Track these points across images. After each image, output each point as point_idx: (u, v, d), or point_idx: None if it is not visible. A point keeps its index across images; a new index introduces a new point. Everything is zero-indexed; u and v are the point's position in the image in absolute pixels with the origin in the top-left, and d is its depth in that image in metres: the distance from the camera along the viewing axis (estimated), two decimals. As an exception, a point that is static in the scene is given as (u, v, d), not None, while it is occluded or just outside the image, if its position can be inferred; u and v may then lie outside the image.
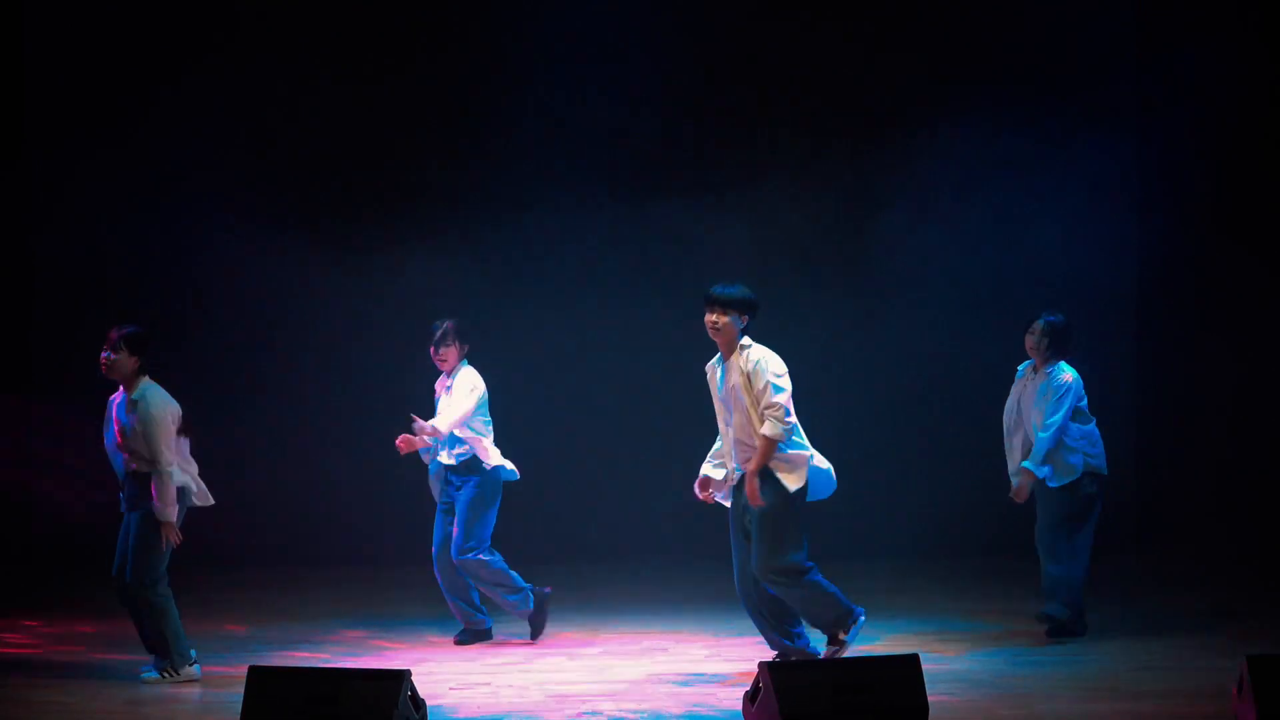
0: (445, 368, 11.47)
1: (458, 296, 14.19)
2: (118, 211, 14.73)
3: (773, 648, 10.38)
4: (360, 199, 15.04)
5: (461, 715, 9.21)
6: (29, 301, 14.94)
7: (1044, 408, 11.30)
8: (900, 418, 15.02)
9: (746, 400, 10.07)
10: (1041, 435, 11.24)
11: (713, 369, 10.29)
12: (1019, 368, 11.56)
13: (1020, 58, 15.17)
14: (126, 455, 10.13)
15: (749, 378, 10.05)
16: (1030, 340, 11.46)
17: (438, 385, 11.56)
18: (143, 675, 10.16)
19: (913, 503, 14.87)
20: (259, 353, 14.89)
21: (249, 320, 14.91)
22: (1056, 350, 11.39)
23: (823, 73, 15.21)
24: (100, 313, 14.01)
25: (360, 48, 15.00)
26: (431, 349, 11.44)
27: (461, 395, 11.32)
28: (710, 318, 10.12)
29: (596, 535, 14.96)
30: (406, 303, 14.51)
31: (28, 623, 12.27)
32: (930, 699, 8.12)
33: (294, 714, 7.80)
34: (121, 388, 10.19)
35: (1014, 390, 11.53)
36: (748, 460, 10.09)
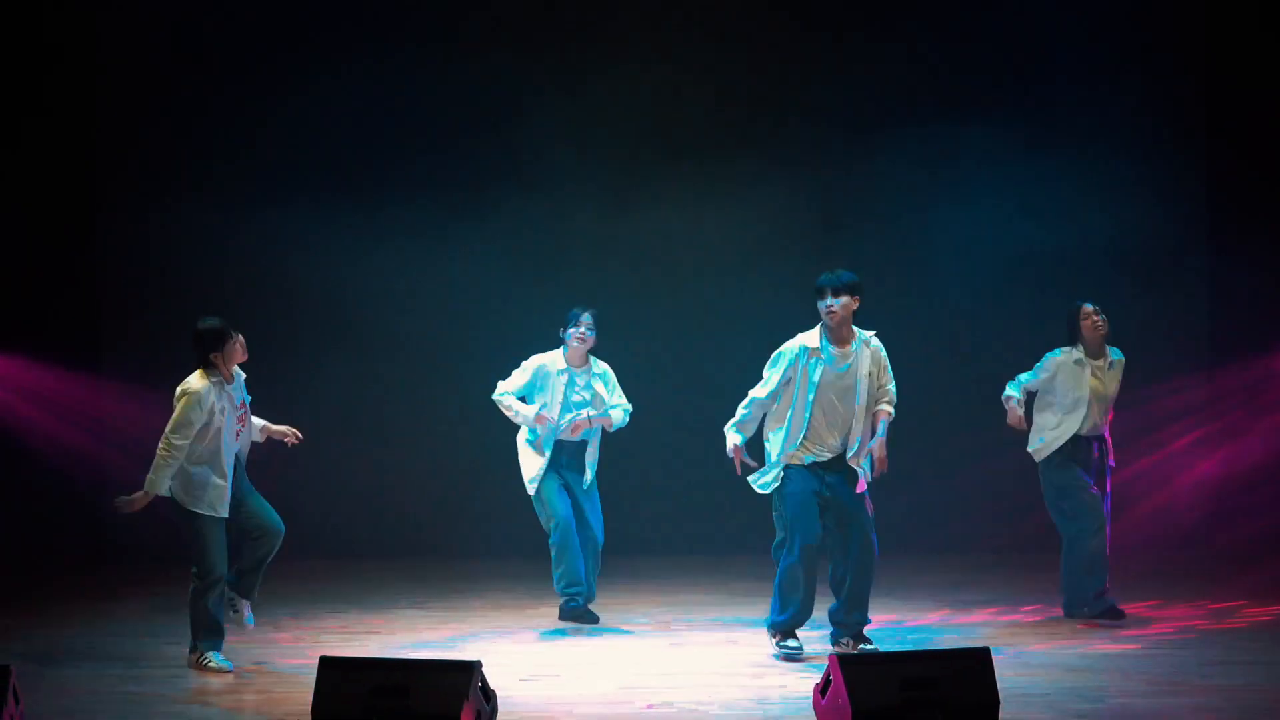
0: (585, 347, 11.76)
1: (496, 284, 14.30)
2: (183, 198, 14.81)
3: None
4: (421, 185, 15.08)
5: (532, 706, 9.21)
6: (97, 290, 15.04)
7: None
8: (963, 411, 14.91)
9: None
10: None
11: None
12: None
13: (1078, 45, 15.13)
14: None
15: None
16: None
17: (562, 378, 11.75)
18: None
19: (978, 498, 14.78)
20: (326, 339, 14.92)
21: (315, 306, 14.95)
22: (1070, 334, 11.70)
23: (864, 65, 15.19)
24: (166, 302, 14.14)
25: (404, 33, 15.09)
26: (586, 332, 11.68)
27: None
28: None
29: (668, 528, 14.96)
30: (475, 289, 14.63)
31: (99, 612, 12.35)
32: (1001, 693, 8.09)
33: (364, 705, 7.82)
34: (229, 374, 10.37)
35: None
36: None
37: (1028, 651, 10.63)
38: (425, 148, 15.10)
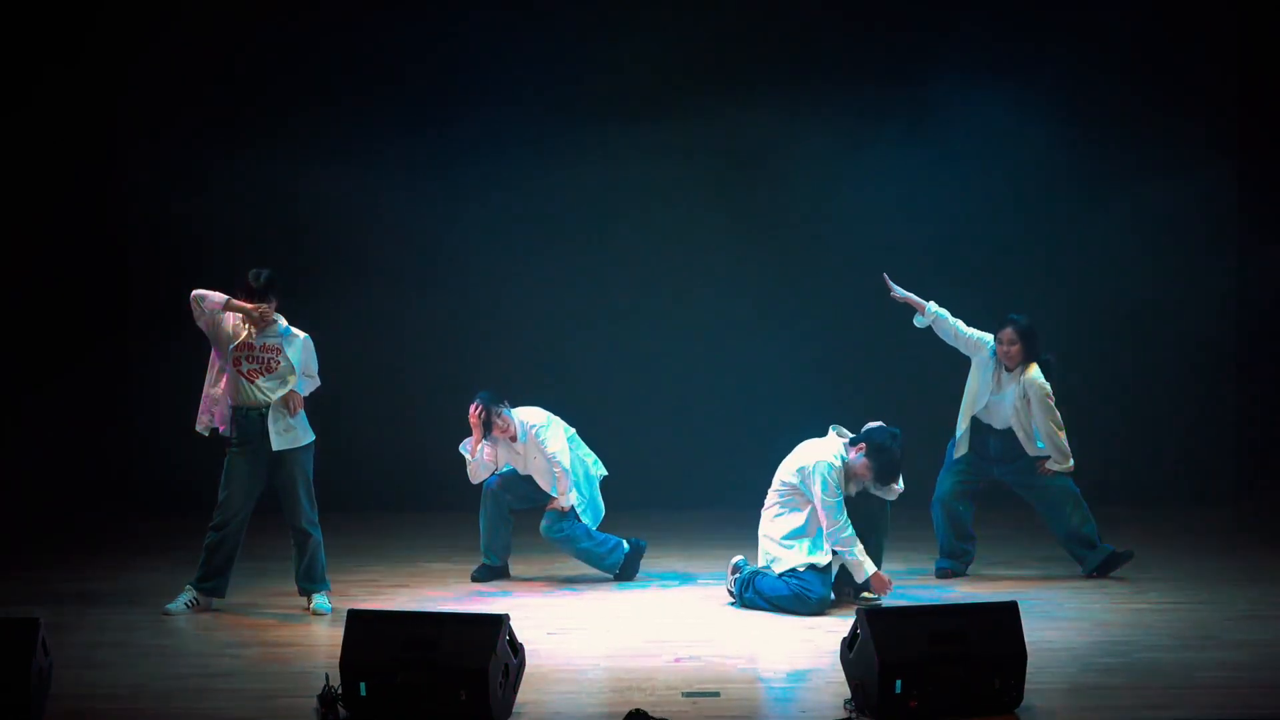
0: (507, 435, 11.86)
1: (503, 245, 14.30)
2: (213, 153, 14.77)
3: None
4: (451, 143, 15.05)
5: (559, 659, 9.24)
6: (124, 246, 15.01)
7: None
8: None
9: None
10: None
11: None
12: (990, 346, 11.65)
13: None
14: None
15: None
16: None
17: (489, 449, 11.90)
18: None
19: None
20: (356, 292, 14.88)
21: (346, 260, 14.92)
22: (1030, 354, 11.56)
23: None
24: (195, 256, 14.13)
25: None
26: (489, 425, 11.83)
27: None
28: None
29: (693, 482, 14.94)
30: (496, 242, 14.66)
31: (127, 565, 12.37)
32: (1028, 646, 8.09)
33: (393, 657, 7.85)
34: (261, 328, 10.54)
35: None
36: None
37: (1054, 606, 10.64)
38: (447, 97, 15.06)
